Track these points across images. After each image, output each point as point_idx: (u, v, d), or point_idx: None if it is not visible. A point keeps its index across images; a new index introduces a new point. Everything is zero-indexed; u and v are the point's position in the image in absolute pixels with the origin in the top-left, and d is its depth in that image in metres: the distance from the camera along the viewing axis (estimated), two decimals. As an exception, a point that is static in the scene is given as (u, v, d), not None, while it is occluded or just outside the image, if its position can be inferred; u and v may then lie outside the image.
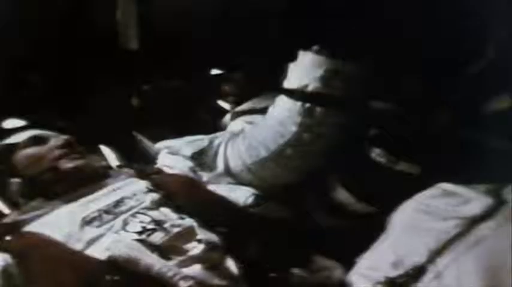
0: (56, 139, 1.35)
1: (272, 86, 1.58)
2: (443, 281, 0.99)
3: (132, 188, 1.28)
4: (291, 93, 1.39)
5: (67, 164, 1.31)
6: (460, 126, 1.30)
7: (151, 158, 1.59)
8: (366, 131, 1.43)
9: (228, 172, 1.45)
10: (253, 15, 1.65)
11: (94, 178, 1.32)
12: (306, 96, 1.36)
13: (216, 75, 1.79)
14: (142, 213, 1.19)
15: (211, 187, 1.35)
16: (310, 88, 1.36)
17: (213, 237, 1.13)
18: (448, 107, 1.32)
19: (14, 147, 1.35)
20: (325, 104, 1.36)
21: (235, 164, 1.44)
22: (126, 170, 1.41)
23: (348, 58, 1.34)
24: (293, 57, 1.39)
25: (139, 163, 1.53)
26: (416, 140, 1.33)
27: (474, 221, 1.03)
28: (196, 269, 1.08)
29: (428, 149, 1.31)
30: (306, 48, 1.37)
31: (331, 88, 1.35)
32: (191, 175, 1.42)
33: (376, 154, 1.37)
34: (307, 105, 1.36)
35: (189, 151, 1.47)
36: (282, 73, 1.44)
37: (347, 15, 1.34)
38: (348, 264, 1.16)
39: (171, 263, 1.08)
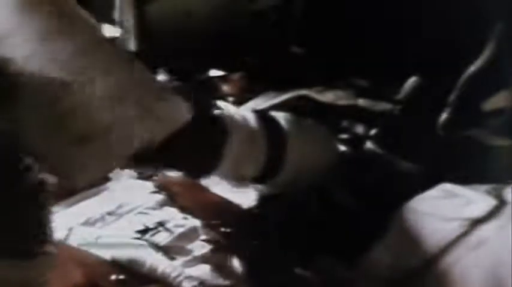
0: None
1: (272, 86, 1.58)
2: (445, 282, 1.00)
3: (134, 190, 1.28)
4: None
5: None
6: (461, 125, 1.31)
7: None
8: (366, 131, 1.44)
9: None
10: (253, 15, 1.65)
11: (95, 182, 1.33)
12: None
13: (216, 75, 1.79)
14: (145, 213, 1.20)
15: (213, 189, 1.36)
16: None
17: (217, 237, 1.14)
18: (448, 105, 1.32)
19: None
20: None
21: None
22: (127, 172, 1.41)
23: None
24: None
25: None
26: (416, 139, 1.34)
27: (476, 222, 1.03)
28: (200, 269, 1.09)
29: (429, 148, 1.31)
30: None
31: None
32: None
33: (376, 152, 1.38)
34: None
35: None
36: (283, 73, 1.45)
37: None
38: (349, 264, 1.17)
39: (175, 263, 1.09)
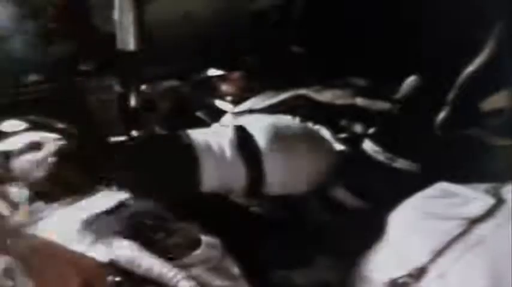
0: (51, 145, 1.35)
1: (272, 86, 1.59)
2: (446, 281, 0.99)
3: (133, 189, 1.28)
4: None
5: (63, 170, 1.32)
6: (459, 124, 1.31)
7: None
8: (365, 130, 1.44)
9: None
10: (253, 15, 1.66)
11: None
12: None
13: (216, 75, 1.79)
14: (143, 214, 1.20)
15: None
16: None
17: (214, 237, 1.14)
18: (446, 104, 1.32)
19: (10, 154, 1.35)
20: None
21: None
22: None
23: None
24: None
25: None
26: (415, 137, 1.34)
27: (475, 221, 1.03)
28: (197, 270, 1.09)
29: (427, 147, 1.31)
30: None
31: None
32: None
33: (375, 151, 1.38)
34: None
35: None
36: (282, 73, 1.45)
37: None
38: (349, 264, 1.16)
39: (171, 264, 1.08)
